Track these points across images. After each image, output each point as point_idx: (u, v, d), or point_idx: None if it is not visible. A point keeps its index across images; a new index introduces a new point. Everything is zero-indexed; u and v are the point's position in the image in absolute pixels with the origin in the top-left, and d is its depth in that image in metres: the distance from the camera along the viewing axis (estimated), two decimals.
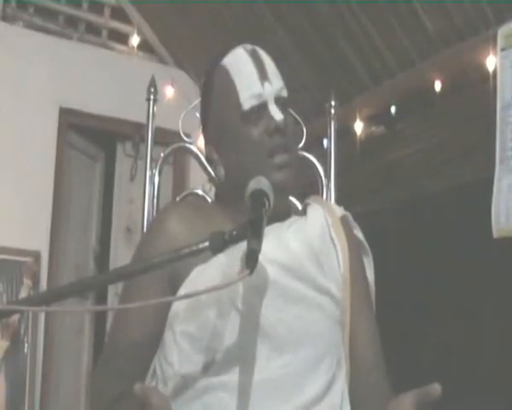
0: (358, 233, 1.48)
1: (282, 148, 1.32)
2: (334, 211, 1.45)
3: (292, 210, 1.43)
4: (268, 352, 1.25)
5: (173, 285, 1.29)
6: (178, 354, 1.27)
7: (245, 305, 1.25)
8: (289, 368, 1.25)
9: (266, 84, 1.33)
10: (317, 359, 1.28)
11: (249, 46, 1.38)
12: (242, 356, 1.24)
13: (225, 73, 1.36)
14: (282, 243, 1.32)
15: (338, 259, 1.37)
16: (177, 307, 1.28)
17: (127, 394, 1.15)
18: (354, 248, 1.42)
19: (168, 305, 1.30)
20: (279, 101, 1.34)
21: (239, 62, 1.36)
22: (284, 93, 1.36)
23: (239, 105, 1.32)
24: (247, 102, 1.32)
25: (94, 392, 1.39)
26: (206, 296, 1.24)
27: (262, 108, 1.33)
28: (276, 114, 1.32)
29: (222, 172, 1.38)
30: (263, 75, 1.34)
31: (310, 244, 1.34)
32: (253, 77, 1.33)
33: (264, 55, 1.37)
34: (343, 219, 1.44)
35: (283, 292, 1.28)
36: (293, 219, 1.38)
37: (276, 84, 1.34)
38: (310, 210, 1.42)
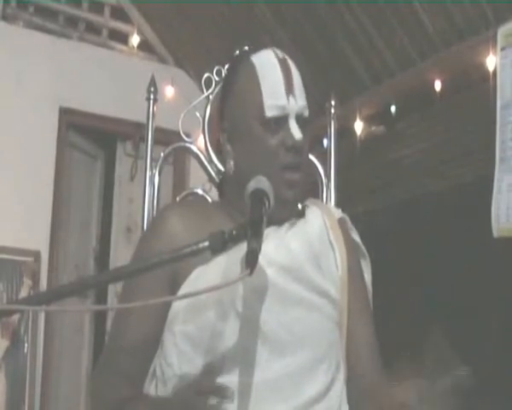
0: (356, 236, 1.48)
1: (295, 166, 1.32)
2: (332, 213, 1.45)
3: (293, 215, 1.42)
4: (268, 354, 1.25)
5: (174, 286, 1.29)
6: (178, 355, 1.27)
7: (245, 307, 1.25)
8: (289, 369, 1.26)
9: (291, 98, 1.33)
10: (316, 361, 1.29)
11: (280, 53, 1.38)
12: (242, 358, 1.24)
13: (252, 72, 1.35)
14: (283, 245, 1.32)
15: (336, 261, 1.38)
16: (177, 307, 1.28)
17: (133, 398, 1.15)
18: (352, 250, 1.43)
19: (168, 306, 1.30)
20: (300, 119, 1.34)
21: (268, 66, 1.35)
22: (306, 113, 1.35)
23: (262, 110, 1.32)
24: (270, 110, 1.32)
25: (94, 392, 1.39)
26: (206, 298, 1.23)
27: (283, 120, 1.32)
28: (296, 133, 1.32)
29: (231, 165, 1.37)
30: (289, 88, 1.33)
31: (309, 246, 1.35)
32: (279, 87, 1.33)
33: (293, 68, 1.37)
34: (341, 222, 1.45)
35: (282, 295, 1.28)
36: (292, 221, 1.38)
37: (300, 102, 1.34)
38: (308, 212, 1.42)
